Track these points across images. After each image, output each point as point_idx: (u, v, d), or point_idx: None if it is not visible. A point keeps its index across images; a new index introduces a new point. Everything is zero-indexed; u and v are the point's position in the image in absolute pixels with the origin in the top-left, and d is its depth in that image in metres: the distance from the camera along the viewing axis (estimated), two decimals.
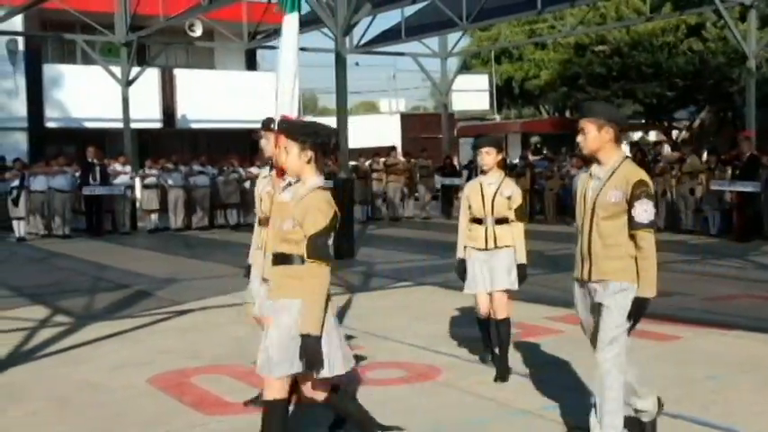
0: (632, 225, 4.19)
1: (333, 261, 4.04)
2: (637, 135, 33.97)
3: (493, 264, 6.13)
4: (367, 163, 21.58)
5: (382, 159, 21.78)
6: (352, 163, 17.80)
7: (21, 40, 24.07)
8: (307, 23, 21.61)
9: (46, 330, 8.18)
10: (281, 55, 8.82)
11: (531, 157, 22.19)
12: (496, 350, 6.29)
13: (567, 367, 6.33)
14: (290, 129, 4.18)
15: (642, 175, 4.23)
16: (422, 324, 8.00)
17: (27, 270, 13.07)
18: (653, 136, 32.36)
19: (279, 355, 3.93)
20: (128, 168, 19.16)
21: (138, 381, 6.23)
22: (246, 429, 5.10)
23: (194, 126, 27.01)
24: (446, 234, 17.10)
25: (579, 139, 4.44)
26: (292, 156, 4.03)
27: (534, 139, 29.99)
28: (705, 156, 17.85)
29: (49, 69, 25.55)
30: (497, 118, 34.55)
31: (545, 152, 26.65)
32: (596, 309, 4.44)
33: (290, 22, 8.55)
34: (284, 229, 4.01)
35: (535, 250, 13.95)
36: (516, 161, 22.13)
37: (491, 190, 6.12)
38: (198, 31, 21.07)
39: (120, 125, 20.61)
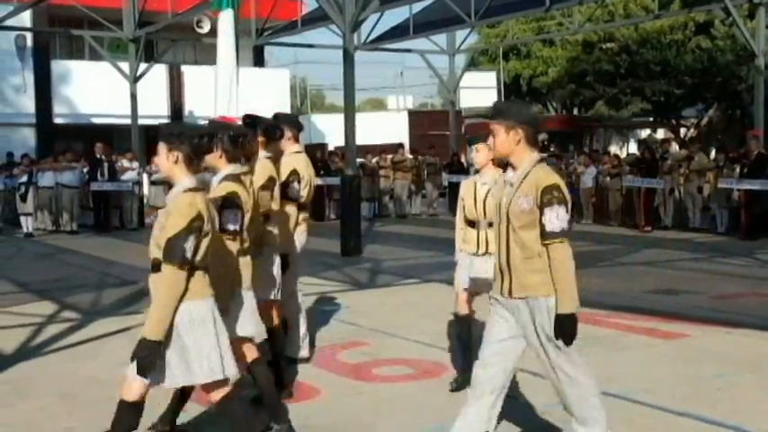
0: (542, 234, 3.81)
1: (202, 265, 3.90)
2: (644, 133, 33.86)
3: (485, 269, 5.48)
4: (374, 160, 21.56)
5: (389, 156, 21.78)
6: (359, 160, 17.80)
7: (29, 35, 24.12)
8: (315, 20, 21.69)
9: (53, 326, 8.18)
10: (219, 54, 8.82)
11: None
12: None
13: None
14: (160, 131, 4.15)
15: (553, 179, 3.85)
16: (428, 321, 7.99)
17: (34, 266, 13.09)
18: (661, 134, 32.21)
19: (178, 361, 3.88)
20: (135, 164, 19.20)
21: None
22: None
23: (202, 122, 27.03)
24: (453, 231, 17.10)
25: (489, 142, 4.20)
26: (161, 158, 3.99)
27: (542, 137, 29.76)
28: (713, 154, 17.85)
29: (57, 65, 25.60)
30: None
31: (552, 149, 26.51)
32: (528, 328, 4.01)
33: (226, 18, 8.48)
34: (155, 234, 3.93)
35: None
36: None
37: (484, 191, 5.70)
38: (206, 28, 21.05)
39: (127, 121, 20.68)
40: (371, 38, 23.08)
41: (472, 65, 30.07)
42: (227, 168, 4.66)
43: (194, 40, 24.70)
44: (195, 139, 4.02)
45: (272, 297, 5.64)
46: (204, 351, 3.85)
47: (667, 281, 10.29)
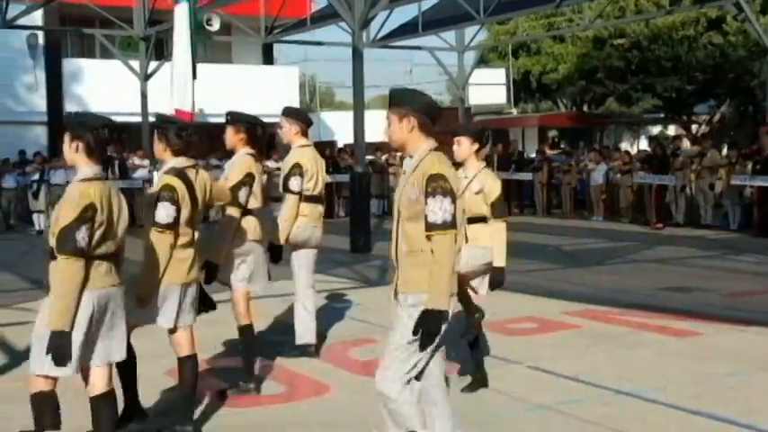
0: (425, 225, 3.62)
1: (101, 254, 3.93)
2: (656, 129, 33.76)
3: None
4: (383, 157, 21.56)
5: (399, 154, 21.74)
6: (368, 157, 17.80)
7: (41, 34, 24.20)
8: (324, 17, 21.69)
9: None
10: (174, 48, 8.74)
11: (548, 152, 22.09)
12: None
13: (585, 362, 6.31)
14: (65, 120, 4.30)
15: (439, 167, 3.69)
16: None
17: (39, 262, 13.11)
18: (672, 130, 32.11)
19: (35, 351, 3.90)
20: (146, 162, 19.25)
21: (157, 372, 6.21)
22: (262, 421, 5.19)
23: (212, 120, 27.04)
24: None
25: (385, 131, 4.02)
26: (65, 146, 4.01)
27: (552, 134, 29.79)
28: (725, 150, 17.77)
29: (69, 64, 25.69)
30: (514, 112, 34.41)
31: (562, 146, 26.49)
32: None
33: (181, 12, 8.37)
34: (51, 222, 3.94)
35: (552, 245, 14.03)
36: (533, 155, 22.08)
37: (462, 185, 5.11)
38: (215, 26, 21.09)
39: (138, 119, 20.68)
40: (381, 35, 23.05)
41: (482, 62, 30.02)
42: (171, 162, 4.73)
43: (203, 37, 24.74)
44: (97, 130, 4.02)
45: (248, 287, 5.87)
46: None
47: (679, 278, 10.25)
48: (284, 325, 7.42)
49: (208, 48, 28.06)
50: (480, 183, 5.48)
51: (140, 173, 18.86)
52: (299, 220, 6.46)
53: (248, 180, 5.73)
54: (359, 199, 13.73)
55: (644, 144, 30.91)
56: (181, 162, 4.79)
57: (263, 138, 6.02)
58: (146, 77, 20.28)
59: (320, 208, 6.72)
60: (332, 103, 51.17)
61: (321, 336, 7.20)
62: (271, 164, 19.84)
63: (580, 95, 31.60)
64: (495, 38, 30.27)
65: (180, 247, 4.79)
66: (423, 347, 3.62)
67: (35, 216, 17.77)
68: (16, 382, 6.08)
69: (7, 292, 10.10)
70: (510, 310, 8.21)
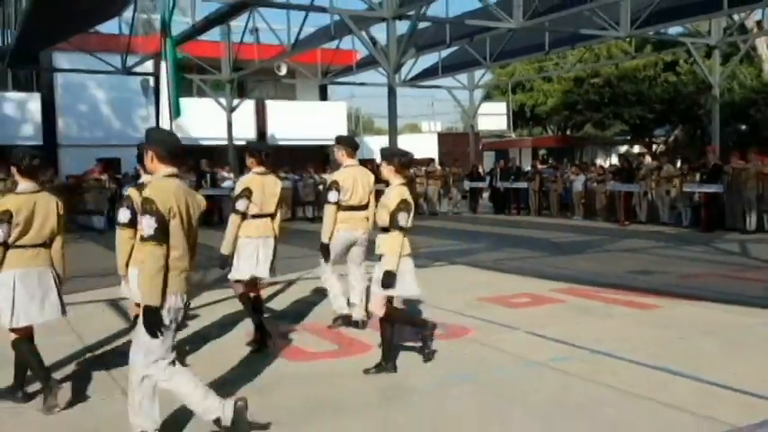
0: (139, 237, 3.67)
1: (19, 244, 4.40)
2: (624, 148, 33.40)
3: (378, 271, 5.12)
4: (412, 171, 21.51)
5: (424, 168, 21.74)
6: None
7: (151, 79, 24.51)
8: (366, 64, 21.77)
9: None
10: (161, 81, 8.42)
11: (539, 166, 21.89)
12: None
13: (569, 328, 6.24)
14: (13, 153, 4.59)
15: (147, 193, 3.61)
16: (454, 294, 7.95)
17: None
18: (636, 149, 31.74)
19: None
20: (231, 175, 19.40)
21: (240, 333, 6.28)
22: (321, 370, 5.15)
23: (280, 143, 27.22)
24: (472, 225, 17.04)
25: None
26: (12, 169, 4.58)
27: (542, 152, 29.60)
28: (678, 164, 17.57)
29: None
30: (513, 136, 34.28)
31: (550, 162, 26.28)
32: None
33: (168, 47, 8.19)
34: None
35: (542, 238, 13.93)
36: (528, 169, 21.95)
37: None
38: (283, 71, 21.30)
39: (225, 142, 20.90)
40: (409, 77, 23.06)
41: (487, 97, 29.94)
42: (20, 186, 4.57)
43: (274, 81, 24.92)
44: (25, 159, 4.51)
45: (247, 277, 5.90)
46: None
47: (642, 264, 10.11)
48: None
49: (278, 88, 28.26)
50: (386, 198, 5.09)
51: (227, 183, 18.99)
52: (338, 226, 6.34)
53: (246, 193, 5.78)
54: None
55: (614, 160, 30.58)
56: (27, 188, 4.59)
57: (269, 159, 6.02)
58: (230, 111, 20.46)
59: (360, 213, 6.44)
60: (372, 129, 51.13)
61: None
62: (326, 176, 19.98)
63: (564, 122, 31.43)
64: (497, 78, 30.13)
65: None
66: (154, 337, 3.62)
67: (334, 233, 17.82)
68: None
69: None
70: (510, 288, 8.23)
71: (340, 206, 6.31)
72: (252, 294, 6.02)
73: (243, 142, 23.63)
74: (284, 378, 5.02)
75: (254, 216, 5.88)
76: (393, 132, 13.43)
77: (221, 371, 5.20)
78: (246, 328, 6.42)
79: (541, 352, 5.50)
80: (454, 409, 4.33)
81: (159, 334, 3.60)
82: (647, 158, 20.96)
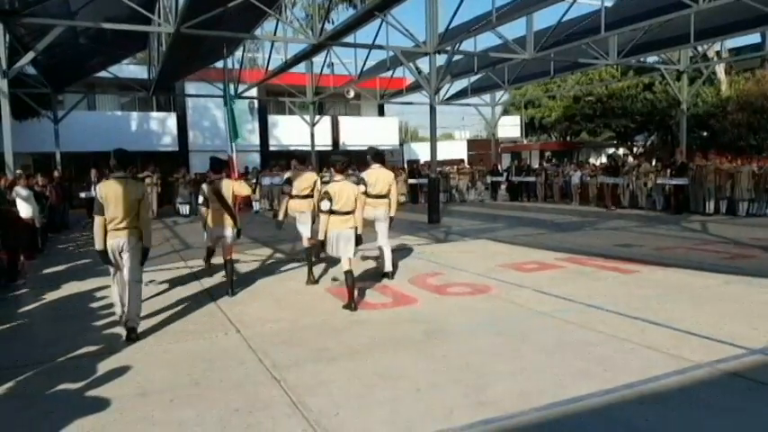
0: None
1: None
2: (611, 150, 32.36)
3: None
4: (447, 169, 21.34)
5: (456, 166, 21.57)
6: (438, 169, 17.63)
7: (256, 101, 24.94)
8: (413, 88, 21.60)
9: (270, 262, 8.41)
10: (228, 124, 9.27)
11: (545, 164, 21.42)
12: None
13: (568, 288, 6.15)
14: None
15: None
16: (479, 261, 7.91)
17: (260, 228, 13.43)
18: (621, 151, 30.69)
19: None
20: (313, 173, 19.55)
21: (320, 289, 6.40)
22: (377, 318, 5.20)
23: (349, 148, 27.34)
24: (493, 210, 16.85)
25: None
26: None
27: (547, 154, 28.80)
28: (654, 162, 17.02)
29: (271, 118, 26.32)
30: (525, 141, 33.53)
31: (554, 161, 25.63)
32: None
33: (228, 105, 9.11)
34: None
35: (547, 219, 13.68)
36: (536, 166, 21.52)
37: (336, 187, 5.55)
38: (351, 94, 21.27)
39: (308, 148, 21.11)
40: (446, 97, 22.78)
41: (505, 112, 29.40)
42: (336, 177, 5.50)
43: (345, 102, 24.96)
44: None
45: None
46: None
47: (625, 239, 9.85)
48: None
49: (347, 107, 28.32)
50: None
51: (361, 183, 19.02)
52: (366, 208, 6.21)
53: (327, 196, 5.46)
54: (433, 192, 13.64)
55: (604, 159, 29.65)
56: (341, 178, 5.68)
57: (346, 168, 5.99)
58: (312, 125, 20.62)
59: (381, 200, 6.68)
60: (417, 138, 50.70)
61: (412, 272, 7.23)
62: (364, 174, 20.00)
63: (565, 131, 30.57)
64: (513, 97, 29.50)
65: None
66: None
67: (254, 203, 18.20)
68: (245, 292, 6.36)
69: (235, 244, 10.45)
70: (522, 257, 8.14)
71: (367, 194, 6.49)
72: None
73: (321, 148, 23.86)
74: (355, 322, 5.11)
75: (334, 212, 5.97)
76: (433, 140, 13.33)
77: (309, 317, 5.32)
78: (325, 285, 6.55)
79: (546, 305, 5.45)
80: (481, 345, 4.34)
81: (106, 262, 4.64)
82: (630, 158, 20.31)
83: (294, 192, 6.84)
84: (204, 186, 6.16)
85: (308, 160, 6.99)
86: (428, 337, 4.58)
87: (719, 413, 3.15)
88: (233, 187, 6.09)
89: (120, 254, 4.62)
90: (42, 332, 5.06)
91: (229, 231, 6.09)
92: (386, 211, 6.76)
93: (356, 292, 5.63)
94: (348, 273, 5.49)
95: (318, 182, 7.16)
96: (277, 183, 18.26)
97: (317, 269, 7.23)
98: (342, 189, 5.48)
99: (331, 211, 5.41)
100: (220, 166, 6.23)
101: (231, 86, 19.03)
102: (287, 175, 7.15)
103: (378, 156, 6.87)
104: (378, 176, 6.72)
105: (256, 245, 10.26)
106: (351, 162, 6.56)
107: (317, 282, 6.68)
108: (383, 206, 6.74)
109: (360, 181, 6.57)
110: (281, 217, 7.00)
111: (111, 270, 4.74)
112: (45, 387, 3.71)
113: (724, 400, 3.30)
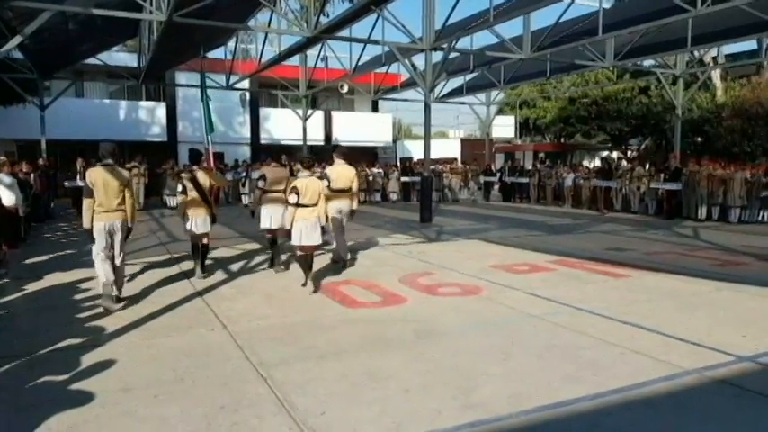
0: None
1: None
2: (605, 153, 32.55)
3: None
4: (440, 167, 21.35)
5: (449, 165, 21.60)
6: (431, 167, 17.65)
7: (247, 93, 24.80)
8: (408, 85, 21.59)
9: (258, 256, 8.33)
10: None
11: (539, 166, 21.51)
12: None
13: (559, 290, 6.19)
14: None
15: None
16: (470, 261, 7.93)
17: (248, 222, 13.34)
18: (615, 154, 30.88)
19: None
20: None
21: (310, 286, 6.36)
22: (368, 317, 5.20)
23: (342, 144, 27.30)
24: (485, 210, 16.91)
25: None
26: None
27: (541, 155, 28.92)
28: (647, 167, 17.12)
29: (262, 111, 26.21)
30: (519, 142, 33.65)
31: (547, 162, 25.74)
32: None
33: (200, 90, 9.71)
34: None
35: (540, 221, 13.75)
36: (530, 168, 21.61)
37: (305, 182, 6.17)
38: (345, 89, 21.19)
39: (300, 143, 21.04)
40: (441, 95, 22.80)
41: (500, 112, 29.44)
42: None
43: (338, 96, 24.91)
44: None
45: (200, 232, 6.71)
46: None
47: (617, 243, 9.92)
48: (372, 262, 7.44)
49: (341, 102, 28.26)
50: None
51: (301, 174, 19.10)
52: (330, 202, 6.89)
53: (295, 191, 6.02)
54: (425, 191, 13.64)
55: (597, 162, 29.83)
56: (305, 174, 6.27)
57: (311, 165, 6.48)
58: (305, 119, 20.56)
59: (344, 194, 7.24)
60: (411, 135, 50.70)
61: (403, 269, 7.23)
62: (374, 170, 19.99)
63: (559, 132, 30.68)
64: (508, 97, 29.60)
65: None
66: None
67: (243, 196, 18.14)
68: (232, 288, 6.33)
69: (225, 238, 10.42)
70: (514, 258, 8.17)
71: (330, 189, 7.03)
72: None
73: (313, 143, 23.79)
74: (344, 320, 5.11)
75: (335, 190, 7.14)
76: (427, 138, 13.34)
77: (298, 314, 5.32)
78: (313, 281, 6.54)
79: (537, 307, 5.48)
80: (471, 347, 4.35)
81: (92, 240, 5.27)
82: (623, 162, 20.44)
83: (267, 187, 7.18)
84: (183, 176, 6.77)
85: (285, 158, 7.82)
86: (418, 338, 4.59)
87: (708, 420, 3.19)
88: (209, 178, 6.76)
89: (110, 234, 5.34)
90: (24, 323, 5.02)
91: (205, 218, 6.69)
92: (348, 204, 7.33)
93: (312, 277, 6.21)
94: (307, 257, 6.19)
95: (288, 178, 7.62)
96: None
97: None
98: (308, 184, 6.04)
99: (297, 204, 5.94)
100: (198, 158, 6.91)
101: (224, 78, 19.04)
102: (261, 170, 7.59)
103: (341, 152, 7.44)
104: (340, 172, 7.24)
105: (245, 239, 10.21)
106: (316, 160, 7.28)
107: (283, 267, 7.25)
108: (346, 200, 7.30)
109: (324, 176, 7.07)
110: (254, 208, 7.45)
111: (95, 248, 5.35)
112: (27, 379, 3.68)
113: (712, 406, 3.34)
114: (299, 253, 6.17)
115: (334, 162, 7.40)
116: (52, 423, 3.10)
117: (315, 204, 6.03)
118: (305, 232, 5.95)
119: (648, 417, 3.20)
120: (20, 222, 9.19)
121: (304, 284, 6.22)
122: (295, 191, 5.94)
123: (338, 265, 7.37)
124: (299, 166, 6.59)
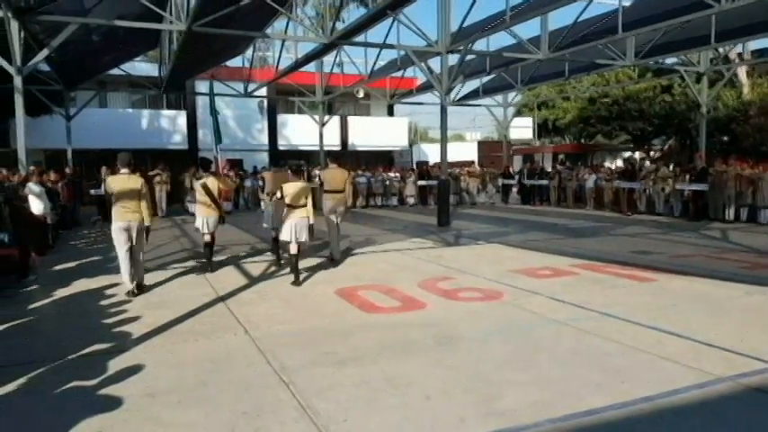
0: None
1: None
2: (627, 154, 32.10)
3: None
4: (457, 170, 21.26)
5: (466, 168, 21.47)
6: (449, 170, 17.58)
7: (265, 100, 25.00)
8: (424, 88, 21.57)
9: (277, 262, 8.30)
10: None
11: (558, 167, 21.28)
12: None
13: (582, 295, 6.08)
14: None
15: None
16: (490, 266, 7.85)
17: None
18: (638, 155, 30.44)
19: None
20: (319, 171, 19.56)
21: (328, 291, 6.38)
22: (386, 322, 5.17)
23: (358, 148, 27.37)
24: (504, 213, 16.76)
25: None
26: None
27: (561, 156, 28.65)
28: (672, 167, 16.84)
29: (280, 117, 26.39)
30: (537, 143, 33.39)
31: (567, 164, 25.48)
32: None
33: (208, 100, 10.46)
34: None
35: (561, 224, 13.58)
36: (550, 169, 21.39)
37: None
38: (361, 94, 21.30)
39: (317, 148, 21.14)
40: (457, 97, 22.72)
41: (518, 113, 29.25)
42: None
43: (354, 101, 24.99)
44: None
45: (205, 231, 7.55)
46: None
47: (642, 245, 9.74)
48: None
49: (357, 107, 28.34)
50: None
51: (317, 179, 19.14)
52: (326, 201, 8.16)
53: (281, 194, 6.90)
54: (443, 195, 13.58)
55: (620, 163, 29.42)
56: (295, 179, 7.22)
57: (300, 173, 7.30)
58: (322, 124, 20.65)
59: (338, 195, 8.11)
60: (427, 138, 50.58)
61: (422, 274, 7.18)
62: (391, 174, 19.98)
63: (579, 133, 30.36)
64: (526, 98, 29.39)
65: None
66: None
67: (262, 202, 18.20)
68: (255, 294, 6.36)
69: (245, 244, 10.47)
70: (536, 262, 8.06)
71: (325, 189, 8.00)
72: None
73: (330, 147, 23.88)
74: (363, 326, 5.09)
75: (329, 191, 8.10)
76: (444, 141, 13.27)
77: (317, 319, 5.30)
78: (334, 287, 6.52)
79: (560, 313, 5.38)
80: (493, 353, 4.29)
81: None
82: (647, 162, 20.10)
83: (268, 190, 8.10)
84: (196, 182, 7.50)
85: (288, 165, 8.62)
86: (438, 343, 4.53)
87: (742, 430, 3.08)
88: (218, 183, 7.44)
89: (129, 231, 6.13)
90: (53, 329, 5.09)
91: (216, 219, 7.45)
92: (343, 204, 8.09)
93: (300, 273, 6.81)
94: (295, 255, 6.80)
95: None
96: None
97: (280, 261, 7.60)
98: (293, 187, 6.87)
99: (285, 203, 6.83)
100: (208, 165, 7.78)
101: (242, 86, 19.23)
102: (262, 175, 8.66)
103: (334, 157, 8.55)
104: (333, 174, 8.16)
105: (265, 244, 10.24)
106: (303, 166, 8.16)
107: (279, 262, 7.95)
108: (340, 199, 8.07)
109: (317, 177, 7.71)
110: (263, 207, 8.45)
111: (117, 248, 6.20)
112: (56, 384, 3.72)
113: (747, 416, 3.23)
114: (292, 251, 6.77)
115: (329, 166, 8.43)
116: (81, 427, 3.13)
117: (304, 206, 6.82)
118: (295, 231, 6.74)
119: (680, 426, 3.11)
120: (48, 230, 9.37)
121: (294, 282, 6.69)
122: (280, 190, 6.90)
123: (333, 263, 7.95)
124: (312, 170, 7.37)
